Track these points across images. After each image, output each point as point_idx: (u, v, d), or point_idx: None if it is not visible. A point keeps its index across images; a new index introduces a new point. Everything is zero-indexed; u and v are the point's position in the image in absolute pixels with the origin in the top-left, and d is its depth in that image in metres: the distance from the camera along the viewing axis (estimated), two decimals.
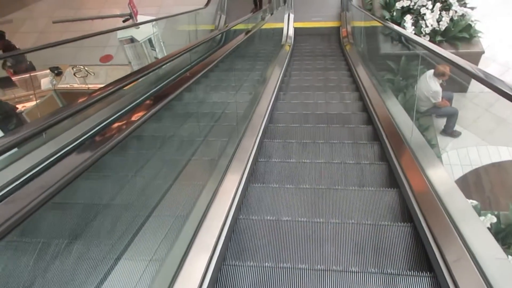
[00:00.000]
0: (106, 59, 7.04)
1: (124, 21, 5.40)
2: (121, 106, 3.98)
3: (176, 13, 6.46)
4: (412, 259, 2.04)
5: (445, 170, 2.46)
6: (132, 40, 5.46)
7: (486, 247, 1.81)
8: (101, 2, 9.65)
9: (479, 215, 3.79)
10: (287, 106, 4.39)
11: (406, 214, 2.35)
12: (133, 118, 1.38)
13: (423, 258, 2.01)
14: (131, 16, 5.40)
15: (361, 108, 4.36)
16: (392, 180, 2.74)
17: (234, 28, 5.51)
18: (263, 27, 5.79)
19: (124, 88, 1.98)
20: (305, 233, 2.19)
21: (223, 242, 2.00)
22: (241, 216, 2.31)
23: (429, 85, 5.35)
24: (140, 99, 4.29)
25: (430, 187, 2.26)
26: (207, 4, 7.42)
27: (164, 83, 5.21)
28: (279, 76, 5.07)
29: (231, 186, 2.39)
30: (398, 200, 2.45)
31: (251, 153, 2.85)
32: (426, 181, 2.33)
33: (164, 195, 1.90)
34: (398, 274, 1.87)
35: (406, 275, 1.86)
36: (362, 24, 6.60)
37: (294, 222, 2.23)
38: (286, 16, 8.25)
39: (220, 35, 7.79)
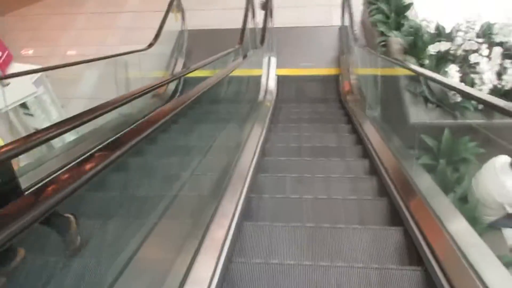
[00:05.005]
0: None
1: None
2: None
3: (92, 59, 4.19)
4: None
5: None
6: None
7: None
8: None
9: None
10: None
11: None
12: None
13: None
14: None
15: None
16: None
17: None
18: (232, 74, 3.49)
19: None
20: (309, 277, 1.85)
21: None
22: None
23: (503, 184, 3.22)
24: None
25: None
26: (150, 45, 5.09)
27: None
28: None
29: None
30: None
31: None
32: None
33: None
34: None
35: None
36: (376, 73, 4.33)
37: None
38: (265, 61, 5.98)
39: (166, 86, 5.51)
